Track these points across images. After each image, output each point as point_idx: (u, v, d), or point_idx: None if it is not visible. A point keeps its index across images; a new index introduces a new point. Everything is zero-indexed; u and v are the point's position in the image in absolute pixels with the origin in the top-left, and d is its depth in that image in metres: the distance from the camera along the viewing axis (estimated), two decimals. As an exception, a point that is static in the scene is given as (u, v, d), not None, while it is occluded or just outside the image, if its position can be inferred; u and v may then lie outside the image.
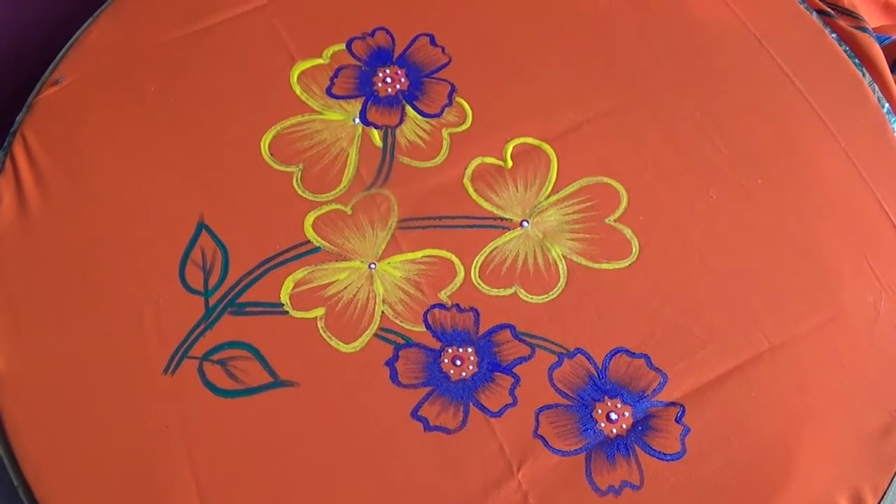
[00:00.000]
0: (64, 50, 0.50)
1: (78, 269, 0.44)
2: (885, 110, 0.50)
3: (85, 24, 0.51)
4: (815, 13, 0.53)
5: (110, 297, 0.43)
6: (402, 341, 0.43)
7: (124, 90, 0.49)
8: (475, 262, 0.45)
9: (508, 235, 0.46)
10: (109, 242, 0.45)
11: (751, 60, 0.51)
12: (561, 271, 0.45)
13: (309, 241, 0.45)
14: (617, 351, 0.43)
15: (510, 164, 0.48)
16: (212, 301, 0.43)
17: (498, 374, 0.42)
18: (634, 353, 0.43)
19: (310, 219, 0.46)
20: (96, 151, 0.47)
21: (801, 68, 0.50)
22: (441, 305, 0.44)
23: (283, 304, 0.44)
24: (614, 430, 0.41)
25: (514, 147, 0.48)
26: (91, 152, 0.47)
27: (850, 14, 0.53)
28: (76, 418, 0.41)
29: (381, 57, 0.51)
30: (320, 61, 0.50)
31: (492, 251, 0.45)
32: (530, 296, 0.44)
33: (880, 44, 0.53)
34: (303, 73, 0.50)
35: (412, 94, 0.50)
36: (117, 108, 0.48)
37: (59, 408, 0.41)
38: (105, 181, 0.46)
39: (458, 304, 0.44)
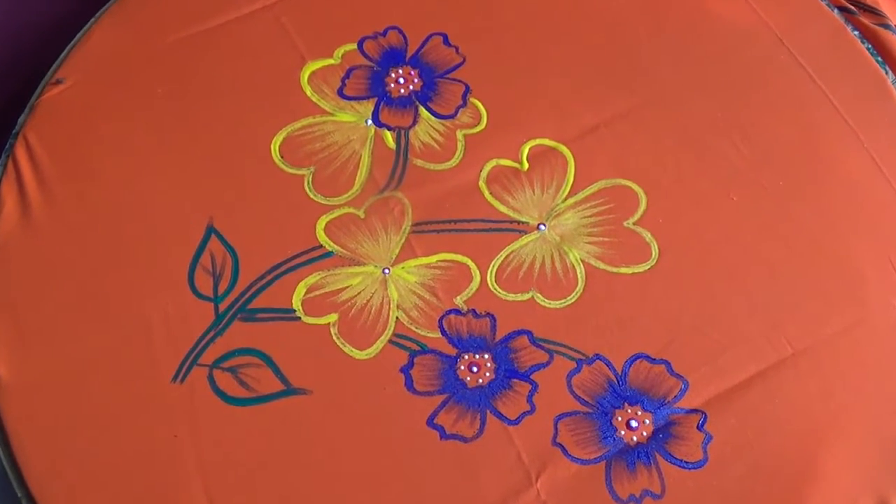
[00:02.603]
0: (66, 50, 0.51)
1: (83, 275, 0.45)
2: (908, 108, 0.51)
3: (88, 23, 0.52)
4: (836, 10, 0.54)
5: (117, 303, 0.44)
6: (417, 348, 0.44)
7: (130, 91, 0.50)
8: (491, 266, 0.46)
9: (525, 239, 0.47)
10: (115, 247, 0.46)
11: (771, 59, 0.52)
12: (579, 275, 0.46)
13: (321, 246, 0.46)
14: (637, 357, 0.44)
15: (526, 166, 0.49)
16: (222, 307, 0.44)
17: (515, 380, 0.43)
18: (655, 359, 0.44)
19: (322, 223, 0.47)
20: (101, 154, 0.48)
21: (823, 66, 0.51)
22: (457, 311, 0.45)
23: (295, 310, 0.44)
24: (634, 438, 0.42)
25: (530, 149, 0.49)
26: (96, 155, 0.48)
27: (872, 10, 0.54)
28: (82, 428, 0.42)
29: (394, 57, 0.51)
30: (331, 62, 0.51)
31: (508, 255, 0.46)
32: (548, 301, 0.45)
33: (903, 41, 0.54)
34: (313, 73, 0.51)
35: (425, 95, 0.50)
36: (123, 110, 0.49)
37: (63, 417, 0.42)
38: (111, 184, 0.47)
39: (474, 310, 0.45)
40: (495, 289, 0.46)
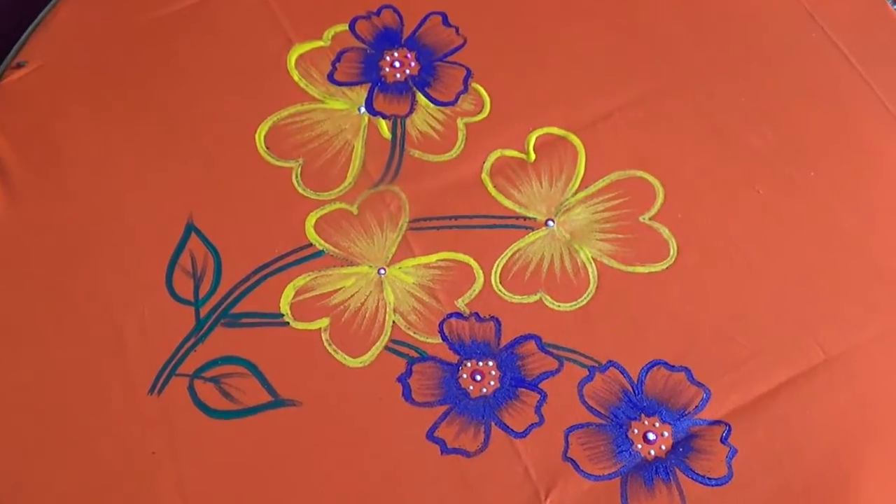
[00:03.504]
0: (29, 29, 0.50)
1: (50, 278, 0.44)
2: (953, 93, 0.51)
3: (53, 0, 0.51)
4: (874, -18, 0.54)
5: (88, 308, 0.43)
6: (415, 355, 0.43)
7: (100, 76, 0.49)
8: (496, 266, 0.45)
9: (532, 236, 0.46)
10: (86, 248, 0.45)
11: (801, 37, 0.51)
12: (591, 275, 0.45)
13: (311, 245, 0.45)
14: (654, 364, 0.43)
15: (533, 157, 0.48)
16: (203, 312, 0.43)
17: (522, 390, 0.42)
18: (674, 367, 0.43)
19: (311, 219, 0.46)
20: (69, 145, 0.47)
21: (860, 45, 0.50)
22: (458, 314, 0.44)
23: (282, 315, 0.44)
24: (652, 452, 0.41)
25: (537, 138, 0.48)
26: (63, 146, 0.47)
27: (916, -18, 0.54)
28: (50, 445, 0.41)
29: (389, 38, 0.51)
30: (320, 44, 0.50)
31: (514, 254, 0.45)
32: (557, 303, 0.44)
33: (950, 18, 0.54)
34: (301, 56, 0.50)
35: (423, 80, 0.50)
36: (92, 96, 0.48)
37: (30, 433, 0.41)
38: (79, 178, 0.46)
39: (477, 313, 0.44)
40: (500, 290, 0.45)
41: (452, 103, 0.49)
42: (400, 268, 0.45)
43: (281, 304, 0.44)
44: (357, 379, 0.42)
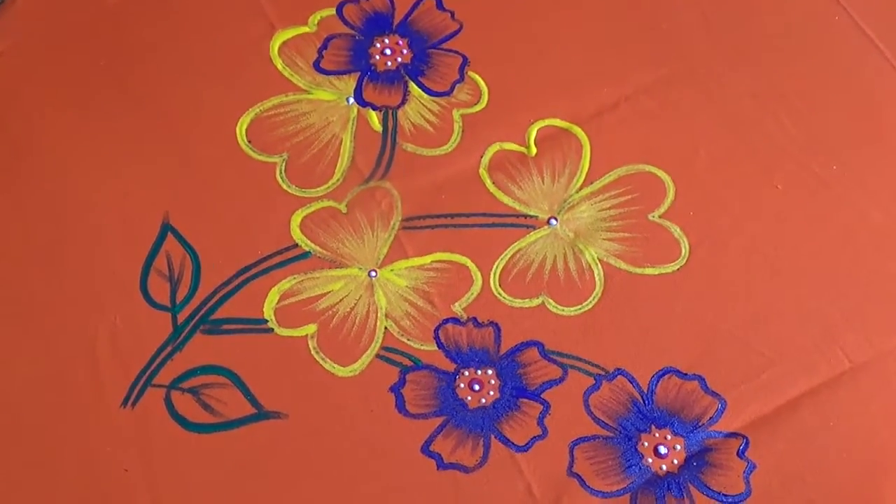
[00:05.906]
0: None
1: (14, 282, 0.43)
2: (985, 80, 0.50)
3: None
4: (898, -40, 0.54)
5: (55, 315, 0.42)
6: (409, 363, 0.43)
7: (67, 64, 0.48)
8: (495, 267, 0.45)
9: (533, 236, 0.45)
10: (53, 249, 0.44)
11: (823, 19, 0.50)
12: (596, 277, 0.44)
13: (297, 245, 0.45)
14: (665, 372, 0.42)
15: (534, 150, 0.47)
16: (180, 318, 0.43)
17: (524, 400, 0.42)
18: (686, 375, 0.42)
19: (297, 218, 0.45)
20: (33, 138, 0.46)
21: (888, 28, 0.50)
22: (455, 320, 0.43)
23: (266, 321, 0.43)
24: (664, 467, 0.41)
25: (538, 130, 0.48)
26: (26, 139, 0.46)
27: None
28: (14, 461, 0.40)
29: (379, 23, 0.50)
30: (306, 29, 0.50)
31: (514, 254, 0.45)
32: (561, 307, 0.44)
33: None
34: (285, 43, 0.49)
35: (416, 69, 0.49)
36: (59, 86, 0.47)
37: None
38: (45, 175, 0.45)
39: (474, 318, 0.43)
40: (499, 294, 0.44)
41: (448, 93, 0.48)
42: (392, 270, 0.44)
43: (265, 310, 0.43)
44: (346, 389, 0.42)
